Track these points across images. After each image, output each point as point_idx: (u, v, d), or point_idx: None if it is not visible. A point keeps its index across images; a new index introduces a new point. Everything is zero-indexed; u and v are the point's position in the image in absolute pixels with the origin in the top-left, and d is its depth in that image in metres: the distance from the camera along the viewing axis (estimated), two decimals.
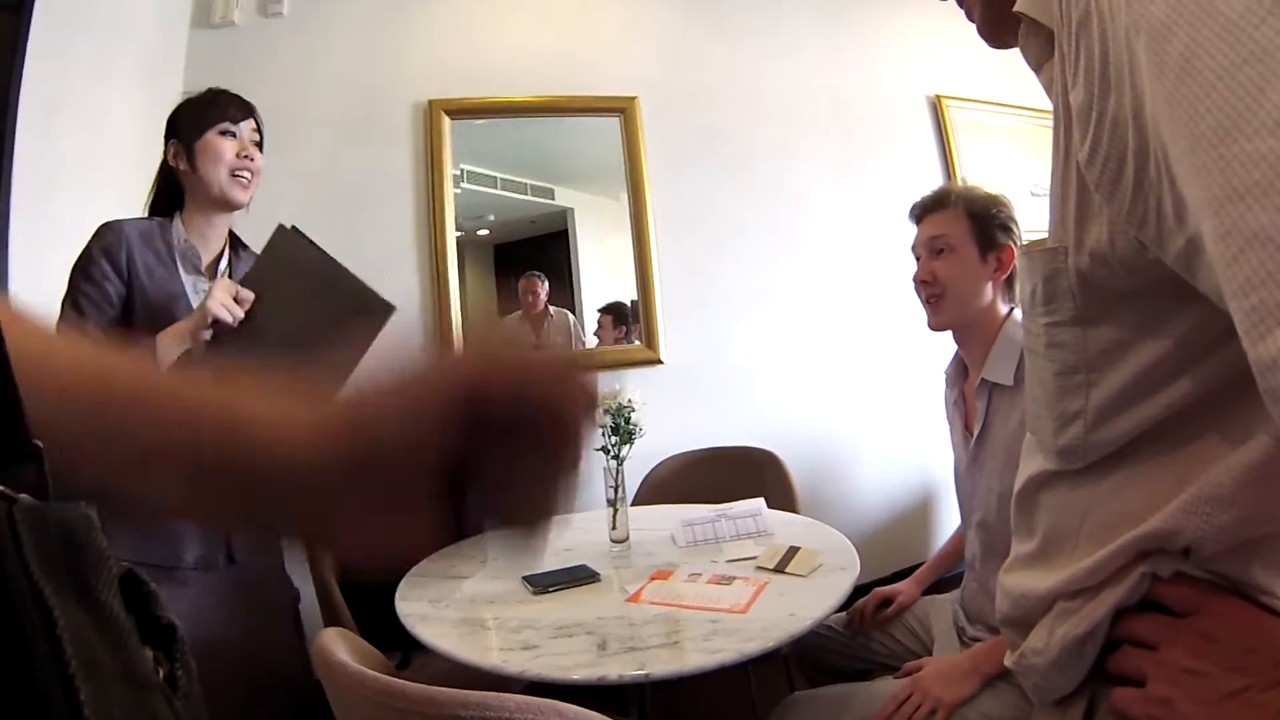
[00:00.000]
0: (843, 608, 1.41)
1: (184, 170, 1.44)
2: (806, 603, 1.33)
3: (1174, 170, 0.40)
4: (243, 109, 1.48)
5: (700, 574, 1.52)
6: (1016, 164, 3.32)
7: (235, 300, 1.30)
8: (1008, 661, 0.66)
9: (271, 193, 2.45)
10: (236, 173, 1.43)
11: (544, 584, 1.50)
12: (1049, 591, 0.58)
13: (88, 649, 0.21)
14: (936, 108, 3.29)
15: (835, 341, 3.00)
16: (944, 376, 1.54)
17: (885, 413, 3.03)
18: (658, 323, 2.79)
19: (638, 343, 2.80)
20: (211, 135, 1.42)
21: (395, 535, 0.39)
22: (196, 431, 0.36)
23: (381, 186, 2.63)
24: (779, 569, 1.49)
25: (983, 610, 1.41)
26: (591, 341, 2.80)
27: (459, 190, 2.68)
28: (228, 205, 1.45)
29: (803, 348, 2.96)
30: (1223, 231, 0.37)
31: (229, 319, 1.28)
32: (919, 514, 3.10)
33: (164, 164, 1.48)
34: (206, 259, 1.47)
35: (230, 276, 1.44)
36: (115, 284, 1.35)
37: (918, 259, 1.46)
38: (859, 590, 1.43)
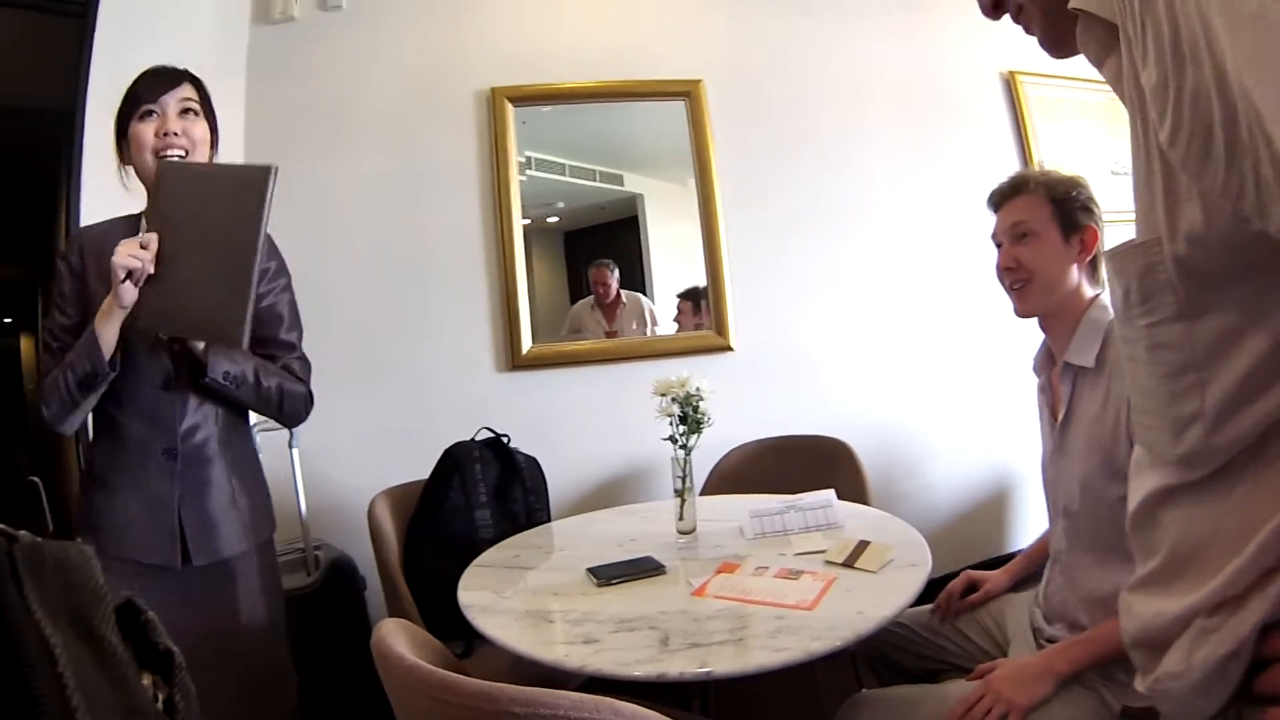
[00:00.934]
0: (913, 606, 1.36)
1: (128, 166, 1.44)
2: (875, 600, 1.29)
3: (1270, 130, 0.39)
4: (163, 81, 1.41)
5: (767, 567, 1.49)
6: (1095, 142, 3.16)
7: (143, 248, 1.29)
8: (1139, 685, 0.63)
9: (336, 186, 2.55)
10: (161, 152, 1.38)
11: (608, 576, 1.49)
12: (1186, 610, 0.55)
13: (89, 683, 0.21)
14: (1010, 84, 3.17)
15: (906, 328, 2.91)
16: (1033, 365, 1.49)
17: (959, 404, 2.94)
18: (727, 309, 2.75)
19: (708, 330, 2.77)
20: (133, 124, 1.39)
21: None
22: None
23: (446, 176, 2.63)
24: (848, 564, 1.46)
25: (1065, 606, 1.36)
26: (671, 327, 2.79)
27: (525, 178, 2.68)
28: None
29: (872, 334, 2.89)
30: None
31: (139, 265, 1.28)
32: (993, 510, 3.00)
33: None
34: None
35: None
36: (71, 285, 1.41)
37: (999, 247, 1.43)
38: (929, 586, 1.38)
